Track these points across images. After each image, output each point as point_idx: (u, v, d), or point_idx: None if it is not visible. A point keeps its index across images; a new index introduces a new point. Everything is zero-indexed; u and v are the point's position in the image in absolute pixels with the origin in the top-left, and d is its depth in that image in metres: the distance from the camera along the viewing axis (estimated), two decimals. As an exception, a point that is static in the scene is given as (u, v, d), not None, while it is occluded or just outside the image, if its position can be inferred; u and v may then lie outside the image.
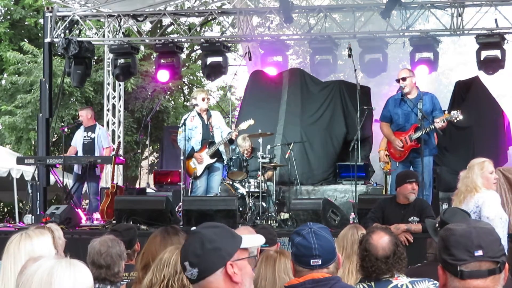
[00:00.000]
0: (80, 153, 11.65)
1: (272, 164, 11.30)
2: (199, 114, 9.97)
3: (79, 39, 12.78)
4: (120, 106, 14.97)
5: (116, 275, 4.56)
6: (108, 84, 14.86)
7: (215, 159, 9.90)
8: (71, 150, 11.94)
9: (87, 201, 12.03)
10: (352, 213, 10.02)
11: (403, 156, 8.86)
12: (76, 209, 10.33)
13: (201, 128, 9.93)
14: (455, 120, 8.67)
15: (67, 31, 13.11)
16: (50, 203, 13.43)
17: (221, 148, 10.03)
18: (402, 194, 7.37)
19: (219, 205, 8.99)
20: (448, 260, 2.14)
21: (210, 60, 12.95)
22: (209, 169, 9.93)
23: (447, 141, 11.66)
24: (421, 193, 8.44)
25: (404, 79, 8.81)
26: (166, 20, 17.68)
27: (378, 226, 4.05)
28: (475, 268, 2.09)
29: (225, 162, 10.30)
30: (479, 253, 2.09)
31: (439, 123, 8.51)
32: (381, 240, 3.73)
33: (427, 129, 8.60)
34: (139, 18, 13.52)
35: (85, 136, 11.68)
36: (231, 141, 10.13)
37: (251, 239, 2.56)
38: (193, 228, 2.59)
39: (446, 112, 9.46)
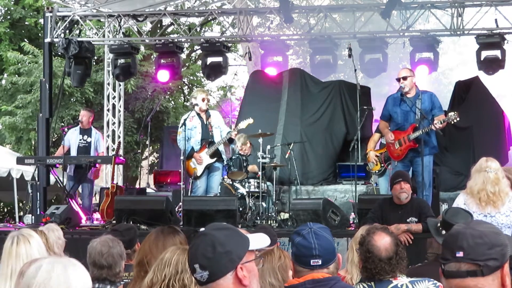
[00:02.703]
0: (74, 155, 11.61)
1: (272, 164, 11.31)
2: (198, 114, 9.96)
3: (79, 39, 12.77)
4: (120, 106, 14.97)
5: (117, 275, 4.57)
6: (108, 84, 14.86)
7: (215, 158, 9.88)
8: (60, 151, 11.90)
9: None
10: (352, 213, 10.04)
11: (401, 155, 8.85)
12: (76, 209, 10.32)
13: (200, 128, 9.92)
14: (452, 122, 8.66)
15: (67, 31, 13.10)
16: (50, 203, 13.43)
17: (221, 148, 10.01)
18: (394, 195, 7.42)
19: (219, 205, 8.98)
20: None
21: (210, 60, 12.95)
22: (209, 169, 9.92)
23: (447, 141, 11.66)
24: (421, 193, 8.45)
25: (405, 78, 8.79)
26: (166, 20, 17.68)
27: (378, 226, 4.03)
28: (455, 268, 2.14)
29: (225, 162, 10.28)
30: (460, 254, 2.13)
31: (436, 124, 8.48)
32: (383, 241, 3.72)
33: (426, 129, 8.59)
34: (139, 18, 13.52)
35: (81, 140, 11.64)
36: (230, 141, 10.12)
37: (258, 241, 2.56)
38: (202, 229, 2.54)
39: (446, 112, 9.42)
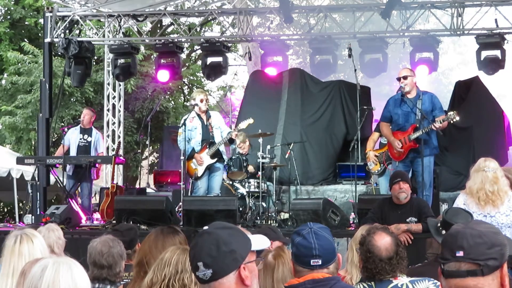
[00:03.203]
0: (73, 154, 11.61)
1: (272, 164, 11.31)
2: (199, 115, 9.96)
3: (79, 39, 12.78)
4: (120, 106, 14.97)
5: (117, 275, 4.58)
6: (108, 84, 14.85)
7: (215, 159, 9.88)
8: (60, 150, 11.88)
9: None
10: (352, 213, 10.04)
11: (402, 156, 8.87)
12: (76, 209, 10.32)
13: (201, 129, 9.91)
14: (452, 121, 8.66)
15: (67, 31, 13.10)
16: (50, 203, 13.43)
17: (222, 148, 10.01)
18: (393, 195, 7.44)
19: (219, 205, 8.98)
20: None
21: (210, 60, 12.95)
22: (209, 169, 9.92)
23: (447, 141, 11.66)
24: (421, 193, 8.46)
25: (405, 77, 8.78)
26: (166, 20, 17.68)
27: (378, 226, 4.03)
28: (454, 268, 2.14)
29: (225, 162, 10.26)
30: (460, 253, 2.13)
31: (436, 124, 8.49)
32: (384, 241, 3.72)
33: (426, 129, 8.59)
34: (139, 18, 13.52)
35: (81, 139, 11.64)
36: (231, 141, 10.12)
37: (258, 242, 2.57)
38: (205, 227, 2.52)
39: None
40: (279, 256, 3.91)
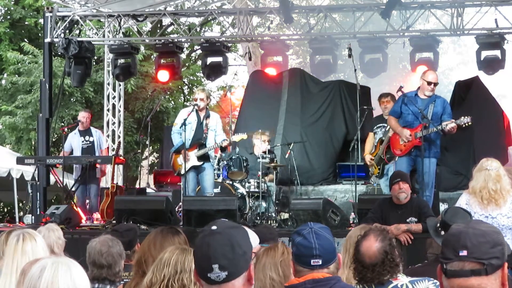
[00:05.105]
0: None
1: (272, 164, 11.31)
2: (197, 112, 9.88)
3: (79, 39, 12.77)
4: (120, 106, 14.97)
5: (116, 275, 4.58)
6: (108, 84, 14.85)
7: (202, 162, 9.79)
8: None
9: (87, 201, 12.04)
10: (352, 213, 10.03)
11: (404, 151, 8.89)
12: (76, 209, 10.32)
13: (195, 126, 9.81)
14: (464, 126, 8.63)
15: (67, 31, 13.10)
16: (50, 203, 13.43)
17: (211, 153, 9.92)
18: (393, 195, 7.45)
19: (219, 205, 8.98)
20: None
21: (210, 60, 12.95)
22: (197, 169, 9.87)
23: (447, 141, 11.65)
24: (422, 194, 8.47)
25: (435, 84, 8.82)
26: (166, 20, 17.67)
27: (374, 228, 3.96)
28: (458, 268, 2.13)
29: (213, 163, 10.14)
30: (464, 253, 2.13)
31: (450, 124, 8.46)
32: (370, 248, 3.66)
33: (433, 130, 8.59)
34: (139, 18, 13.52)
35: (83, 141, 11.66)
36: (222, 149, 10.07)
37: (252, 238, 2.57)
38: (214, 227, 2.44)
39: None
40: (268, 249, 3.89)
